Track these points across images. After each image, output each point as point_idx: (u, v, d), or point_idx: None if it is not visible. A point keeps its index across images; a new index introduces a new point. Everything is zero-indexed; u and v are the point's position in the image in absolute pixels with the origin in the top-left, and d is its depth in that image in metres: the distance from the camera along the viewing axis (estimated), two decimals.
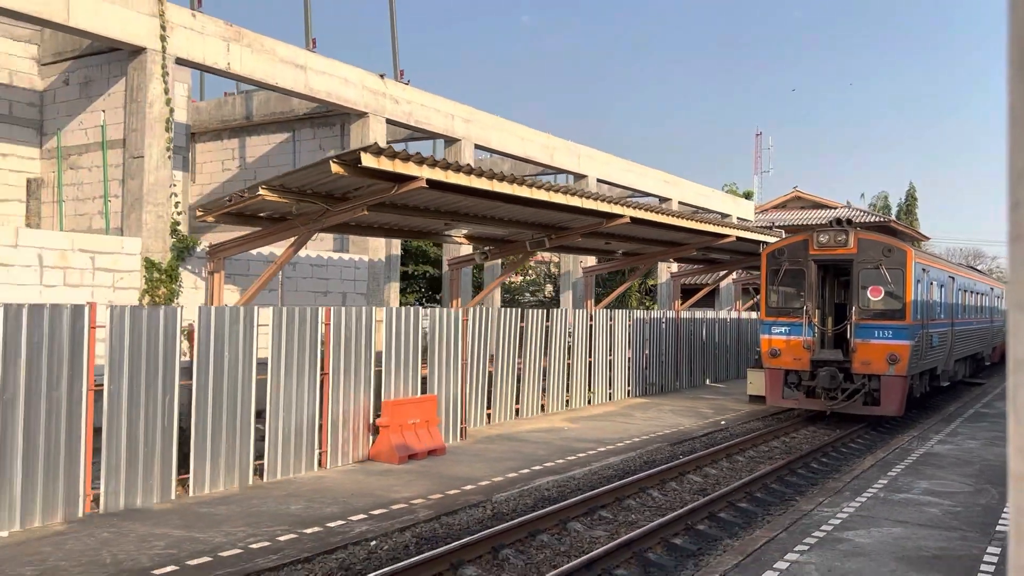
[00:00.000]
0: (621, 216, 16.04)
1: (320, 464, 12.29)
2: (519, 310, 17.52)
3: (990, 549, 8.58)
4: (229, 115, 20.30)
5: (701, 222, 19.65)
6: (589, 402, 20.63)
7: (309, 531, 9.13)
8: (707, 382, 27.24)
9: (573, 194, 14.35)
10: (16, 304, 8.78)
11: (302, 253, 16.03)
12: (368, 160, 10.29)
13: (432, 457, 13.47)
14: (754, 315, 31.88)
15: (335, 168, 10.62)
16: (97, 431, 9.65)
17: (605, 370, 21.26)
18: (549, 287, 40.44)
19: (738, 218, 34.55)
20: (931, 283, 19.53)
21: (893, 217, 74.17)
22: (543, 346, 18.43)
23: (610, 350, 21.43)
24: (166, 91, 13.70)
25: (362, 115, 17.51)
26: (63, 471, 9.16)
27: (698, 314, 27.26)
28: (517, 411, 17.87)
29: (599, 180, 27.72)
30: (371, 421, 13.15)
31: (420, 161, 11.06)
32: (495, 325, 16.51)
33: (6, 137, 15.98)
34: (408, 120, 18.63)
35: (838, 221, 18.74)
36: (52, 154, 16.01)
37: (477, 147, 21.18)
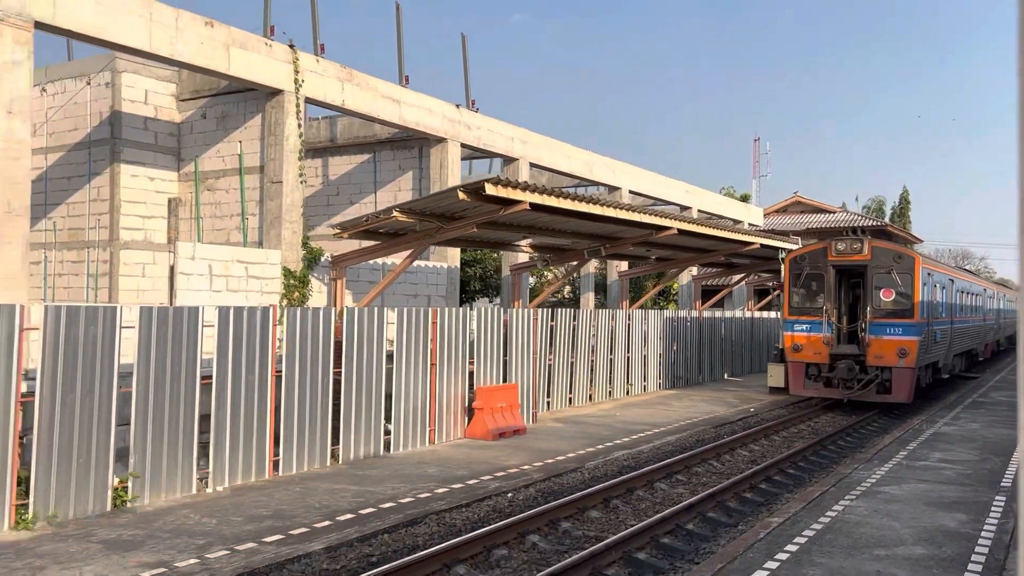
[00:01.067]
0: (669, 228, 18.38)
1: (430, 440, 14.55)
2: (572, 311, 19.82)
3: (997, 498, 10.91)
4: (314, 138, 22.52)
5: (734, 232, 22.03)
6: (627, 393, 22.94)
7: (454, 487, 11.40)
8: (725, 376, 29.59)
9: (643, 212, 16.71)
10: (224, 307, 11.02)
11: (393, 260, 18.24)
12: (490, 189, 12.55)
13: (516, 436, 15.74)
14: (766, 314, 34.29)
15: (462, 195, 12.90)
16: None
17: (641, 364, 23.58)
18: (567, 287, 42.72)
19: (749, 224, 36.95)
20: (935, 286, 21.94)
21: (887, 219, 76.86)
22: (590, 343, 20.73)
23: (644, 346, 23.75)
24: (299, 126, 15.96)
25: (441, 140, 19.84)
26: (255, 441, 11.39)
27: (717, 314, 29.61)
28: (570, 400, 20.17)
29: (631, 191, 30.09)
30: (466, 405, 15.42)
31: (524, 188, 13.32)
32: (555, 323, 18.80)
33: (151, 163, 18.23)
34: (478, 143, 20.98)
35: (854, 231, 21.13)
36: (188, 177, 18.28)
37: (531, 164, 23.58)
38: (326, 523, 9.43)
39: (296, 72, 15.85)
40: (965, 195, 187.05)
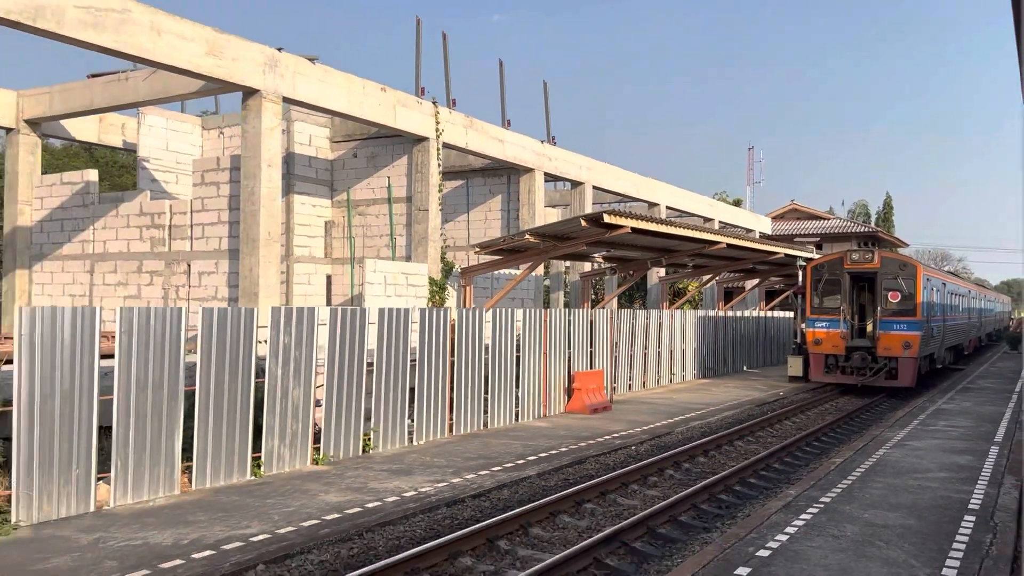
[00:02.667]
0: (719, 243, 22.28)
1: (543, 414, 18.32)
2: (632, 313, 23.64)
3: (992, 448, 14.83)
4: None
5: (769, 244, 25.98)
6: (670, 381, 26.79)
7: (589, 442, 15.16)
8: (744, 368, 33.54)
9: (705, 230, 20.62)
10: (389, 308, 14.73)
11: (504, 271, 21.96)
12: (607, 218, 16.34)
13: (605, 411, 19.53)
14: (777, 314, 38.28)
15: (583, 223, 16.68)
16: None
17: (680, 356, 27.46)
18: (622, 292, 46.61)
19: (760, 233, 41.02)
20: (932, 289, 25.96)
21: (873, 223, 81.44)
22: (644, 337, 24.57)
23: (683, 341, 27.63)
24: (439, 165, 19.69)
25: (529, 170, 23.68)
26: (438, 408, 15.11)
27: (736, 313, 33.56)
28: (629, 385, 23.99)
29: (667, 206, 34.02)
30: (566, 386, 19.20)
31: (626, 215, 17.11)
32: (618, 322, 22.64)
33: (312, 192, 21.96)
34: (556, 172, 24.86)
35: (866, 243, 25.09)
36: (340, 204, 22.03)
37: (594, 187, 27.54)
38: (520, 461, 13.19)
39: (437, 123, 19.63)
40: (946, 199, 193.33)
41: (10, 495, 9.14)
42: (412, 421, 14.57)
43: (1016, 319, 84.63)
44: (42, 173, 22.15)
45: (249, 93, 15.81)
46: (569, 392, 19.27)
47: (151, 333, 10.36)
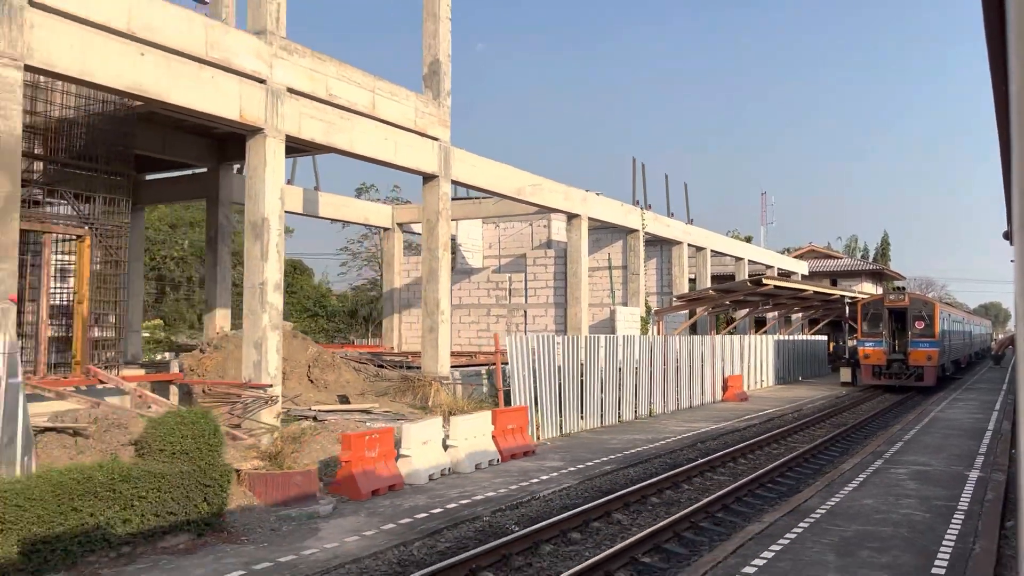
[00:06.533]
0: (807, 290, 33.27)
1: (712, 401, 29.12)
2: (742, 337, 34.59)
3: (994, 413, 25.80)
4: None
5: (837, 291, 37.07)
6: (761, 384, 37.69)
7: (757, 415, 25.99)
8: (799, 378, 44.54)
9: (821, 286, 31.65)
10: (624, 335, 25.65)
11: (683, 313, 32.87)
12: (766, 280, 27.20)
13: (745, 401, 30.33)
14: (814, 337, 49.36)
15: (749, 284, 27.60)
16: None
17: (766, 367, 38.43)
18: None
19: (802, 275, 52.30)
20: (944, 319, 37.13)
21: (871, 259, 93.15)
22: (752, 354, 35.51)
23: (766, 357, 38.62)
24: (643, 246, 30.79)
25: (679, 243, 34.87)
26: (643, 398, 25.93)
27: (794, 337, 44.60)
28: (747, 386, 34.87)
29: (712, 251, 44.99)
30: (721, 385, 30.07)
31: (771, 278, 28.00)
32: (734, 343, 33.61)
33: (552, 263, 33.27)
34: (656, 232, 36.12)
35: (898, 288, 36.16)
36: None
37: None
38: (739, 421, 24.00)
39: (643, 220, 30.74)
40: (935, 237, 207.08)
41: (538, 423, 19.81)
42: (639, 405, 25.43)
43: (997, 341, 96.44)
44: (403, 255, 34.09)
45: (572, 216, 27.06)
46: (724, 387, 30.16)
47: (545, 348, 21.17)
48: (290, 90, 16.02)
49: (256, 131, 15.49)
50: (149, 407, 14.25)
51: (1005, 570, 9.52)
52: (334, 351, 24.14)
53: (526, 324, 30.64)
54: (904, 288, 36.07)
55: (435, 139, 20.31)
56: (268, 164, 15.52)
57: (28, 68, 11.75)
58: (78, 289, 16.92)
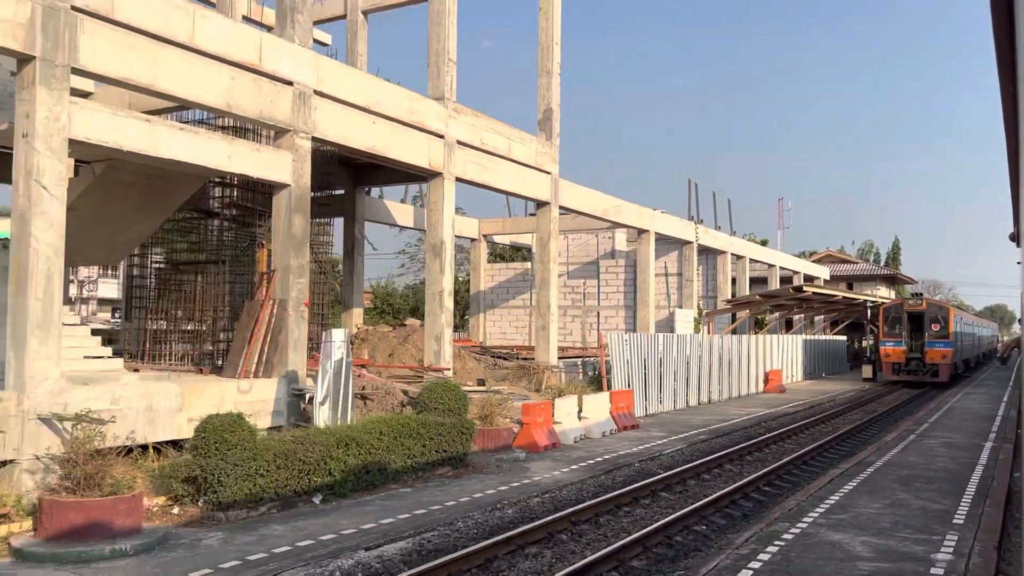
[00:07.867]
0: (835, 295, 37.73)
1: (754, 392, 33.65)
2: (778, 337, 39.09)
3: (1002, 406, 30.29)
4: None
5: (863, 295, 41.56)
6: (790, 379, 42.20)
7: (798, 403, 30.51)
8: (823, 375, 49.05)
9: (853, 293, 36.13)
10: (677, 335, 30.23)
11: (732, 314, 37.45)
12: (805, 288, 31.61)
13: (783, 393, 34.82)
14: (835, 337, 53.90)
15: (791, 291, 32.06)
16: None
17: (796, 364, 42.95)
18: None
19: (824, 280, 56.77)
20: (956, 322, 41.63)
21: (883, 263, 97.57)
22: (783, 351, 40.03)
23: (796, 354, 43.14)
24: (696, 255, 35.34)
25: (723, 252, 39.37)
26: (698, 387, 30.48)
27: (817, 337, 49.09)
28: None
29: (751, 259, 49.49)
30: (762, 377, 34.58)
31: (811, 286, 32.42)
32: (772, 342, 38.11)
33: (618, 272, 37.74)
34: (736, 252, 40.47)
35: (916, 295, 40.65)
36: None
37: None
38: (786, 407, 28.53)
39: (696, 233, 35.24)
40: (941, 240, 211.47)
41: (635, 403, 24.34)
42: (699, 392, 29.98)
43: (1003, 343, 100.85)
44: (488, 262, 38.79)
45: (641, 232, 31.71)
46: (765, 380, 34.70)
47: (635, 343, 25.70)
48: (459, 142, 20.60)
49: (436, 175, 20.08)
50: (363, 386, 18.86)
51: (1015, 496, 14.09)
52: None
53: (598, 324, 35.29)
54: (922, 294, 40.45)
55: (548, 173, 24.87)
56: (445, 199, 20.12)
57: (313, 139, 16.35)
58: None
